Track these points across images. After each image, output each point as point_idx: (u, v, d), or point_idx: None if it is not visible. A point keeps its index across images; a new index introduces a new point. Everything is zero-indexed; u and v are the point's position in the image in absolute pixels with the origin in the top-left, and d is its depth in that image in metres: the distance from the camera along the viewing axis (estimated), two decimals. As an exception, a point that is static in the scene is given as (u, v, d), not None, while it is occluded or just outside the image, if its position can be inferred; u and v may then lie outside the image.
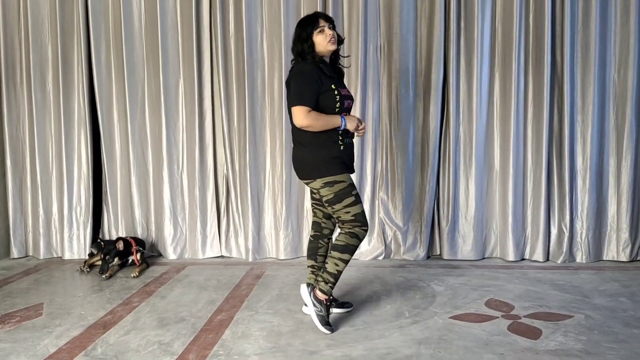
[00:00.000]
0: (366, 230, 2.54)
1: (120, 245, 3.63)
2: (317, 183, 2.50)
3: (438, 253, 3.97)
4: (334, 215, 2.55)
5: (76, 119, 4.06)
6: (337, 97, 2.48)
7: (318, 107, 2.45)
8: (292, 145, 2.65)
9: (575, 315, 2.68)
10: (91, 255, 3.87)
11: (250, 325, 2.64)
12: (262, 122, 3.91)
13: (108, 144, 4.05)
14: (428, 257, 3.92)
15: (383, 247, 3.90)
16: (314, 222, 2.82)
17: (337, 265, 2.51)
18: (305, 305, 2.72)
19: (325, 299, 2.54)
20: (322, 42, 2.49)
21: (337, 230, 2.68)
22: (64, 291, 3.30)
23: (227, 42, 3.86)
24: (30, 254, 4.20)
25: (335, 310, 2.74)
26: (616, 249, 3.76)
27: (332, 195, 2.48)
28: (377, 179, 3.91)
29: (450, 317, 2.68)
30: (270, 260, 3.94)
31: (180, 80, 3.93)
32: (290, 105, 2.48)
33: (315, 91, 2.43)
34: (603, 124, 3.71)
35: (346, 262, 2.51)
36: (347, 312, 2.79)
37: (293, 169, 2.66)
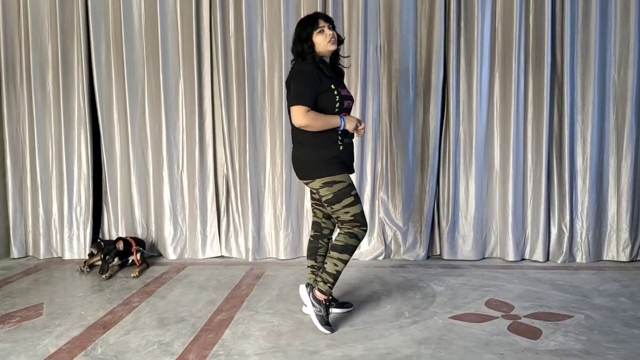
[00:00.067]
0: (365, 231, 2.54)
1: (120, 245, 3.63)
2: (317, 183, 2.50)
3: (438, 253, 3.97)
4: (333, 216, 2.55)
5: (76, 119, 4.06)
6: (337, 97, 2.48)
7: (317, 107, 2.45)
8: (292, 145, 2.65)
9: (575, 315, 2.68)
10: (91, 255, 3.87)
11: (250, 325, 2.64)
12: (262, 122, 3.91)
13: (108, 144, 4.05)
14: (428, 257, 3.92)
15: (383, 247, 3.90)
16: (313, 222, 2.82)
17: (336, 265, 2.51)
18: (305, 305, 2.72)
19: (324, 299, 2.54)
20: (322, 42, 2.49)
21: (337, 231, 2.68)
22: (64, 291, 3.30)
23: (227, 42, 3.86)
24: (30, 254, 4.20)
25: (335, 310, 2.75)
26: (616, 249, 3.76)
27: (331, 196, 2.48)
28: (377, 179, 3.91)
29: (450, 317, 2.68)
30: (270, 260, 3.94)
31: (180, 80, 3.93)
32: (289, 104, 2.48)
33: (314, 91, 2.43)
34: (603, 124, 3.71)
35: (345, 262, 2.51)
36: (347, 312, 2.79)
37: (293, 169, 2.66)
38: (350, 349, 2.33)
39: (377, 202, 3.92)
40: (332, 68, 2.60)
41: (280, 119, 3.85)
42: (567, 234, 3.72)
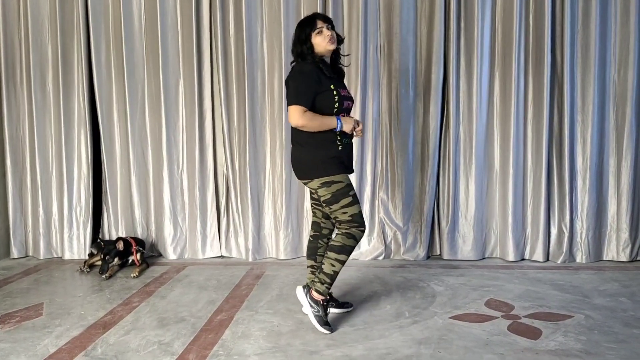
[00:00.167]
0: (363, 231, 2.53)
1: (120, 245, 3.63)
2: (315, 183, 2.50)
3: (438, 253, 3.96)
4: (332, 216, 2.55)
5: (76, 119, 4.06)
6: (336, 97, 2.48)
7: (316, 107, 2.46)
8: (291, 145, 2.65)
9: (575, 315, 2.68)
10: (91, 255, 3.87)
11: (250, 325, 2.64)
12: (262, 122, 3.91)
13: (108, 144, 4.05)
14: (428, 257, 3.92)
15: (383, 247, 3.90)
16: (313, 222, 2.82)
17: (333, 266, 2.50)
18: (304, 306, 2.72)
19: (322, 299, 2.54)
20: (321, 42, 2.49)
21: (336, 231, 2.68)
22: (64, 291, 3.30)
23: (227, 42, 3.86)
24: (30, 254, 4.20)
25: (335, 311, 2.75)
26: (616, 249, 3.76)
27: (329, 196, 2.48)
28: (377, 179, 3.91)
29: (450, 317, 2.68)
30: (270, 260, 3.94)
31: (180, 80, 3.93)
32: (287, 104, 2.48)
33: (313, 91, 2.43)
34: (603, 124, 3.71)
35: (342, 262, 2.51)
36: (347, 312, 2.79)
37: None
38: (350, 349, 2.33)
39: (377, 202, 3.92)
40: (333, 68, 2.60)
41: (280, 119, 3.85)
42: (567, 234, 3.72)
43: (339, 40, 2.57)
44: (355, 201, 2.51)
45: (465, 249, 3.86)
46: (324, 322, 2.52)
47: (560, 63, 3.67)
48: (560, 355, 2.22)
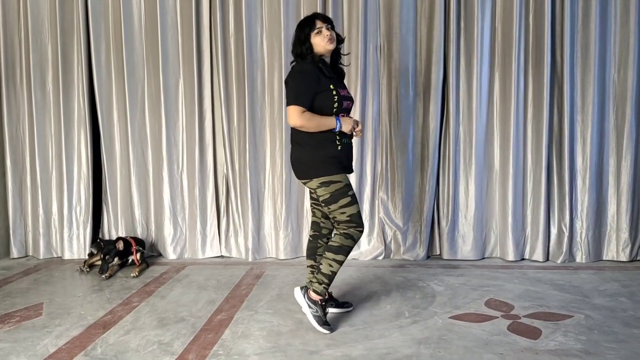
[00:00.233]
0: (361, 232, 2.53)
1: (120, 245, 3.64)
2: (314, 183, 2.50)
3: (438, 253, 3.96)
4: (330, 216, 2.55)
5: (76, 119, 4.06)
6: (336, 97, 2.48)
7: (315, 106, 2.46)
8: (291, 145, 2.65)
9: (575, 315, 2.68)
10: (91, 255, 3.87)
11: (250, 325, 2.64)
12: (262, 122, 3.91)
13: (108, 144, 4.05)
14: (428, 257, 3.92)
15: (383, 247, 3.90)
16: (313, 222, 2.82)
17: (331, 266, 2.50)
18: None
19: (320, 300, 2.54)
20: (321, 42, 2.49)
21: (335, 231, 2.68)
22: (64, 291, 3.30)
23: (227, 42, 3.86)
24: (30, 254, 4.20)
25: (335, 310, 2.75)
26: (616, 248, 3.76)
27: (328, 195, 2.48)
28: (377, 179, 3.91)
29: (450, 317, 2.68)
30: (270, 260, 3.94)
31: (180, 80, 3.94)
32: (287, 104, 2.48)
33: (312, 91, 2.43)
34: (603, 124, 3.71)
35: (340, 263, 2.51)
36: (347, 312, 2.79)
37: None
38: (350, 349, 2.33)
39: (377, 202, 3.92)
40: (333, 68, 2.60)
41: (280, 119, 3.85)
42: (567, 233, 3.72)
43: (339, 40, 2.57)
44: (354, 201, 2.51)
45: (465, 248, 3.86)
46: (323, 322, 2.52)
47: (560, 63, 3.67)
48: (560, 355, 2.22)
